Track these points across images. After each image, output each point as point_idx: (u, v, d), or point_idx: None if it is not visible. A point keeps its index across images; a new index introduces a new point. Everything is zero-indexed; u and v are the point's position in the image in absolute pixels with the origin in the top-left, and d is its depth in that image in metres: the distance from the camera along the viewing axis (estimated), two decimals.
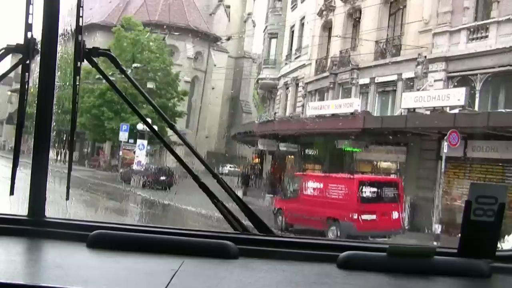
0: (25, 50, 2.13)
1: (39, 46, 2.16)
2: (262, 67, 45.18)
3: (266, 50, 45.41)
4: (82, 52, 2.22)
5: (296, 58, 39.03)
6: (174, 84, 46.58)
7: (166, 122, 2.79)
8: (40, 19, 2.13)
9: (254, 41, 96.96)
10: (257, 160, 55.39)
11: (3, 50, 2.17)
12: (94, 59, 2.28)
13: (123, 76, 2.71)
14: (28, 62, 2.16)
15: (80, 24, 2.19)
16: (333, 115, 26.48)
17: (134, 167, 36.58)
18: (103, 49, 2.29)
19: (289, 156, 35.79)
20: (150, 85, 42.35)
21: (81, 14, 2.18)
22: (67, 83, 2.29)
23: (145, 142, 37.47)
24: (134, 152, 37.23)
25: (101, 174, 43.70)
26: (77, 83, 2.28)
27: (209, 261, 1.98)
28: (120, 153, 40.72)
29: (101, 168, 47.20)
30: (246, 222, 2.32)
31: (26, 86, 2.17)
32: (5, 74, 2.26)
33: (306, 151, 32.01)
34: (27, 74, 2.16)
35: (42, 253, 2.12)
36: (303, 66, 37.05)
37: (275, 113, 33.03)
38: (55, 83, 2.23)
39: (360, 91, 28.93)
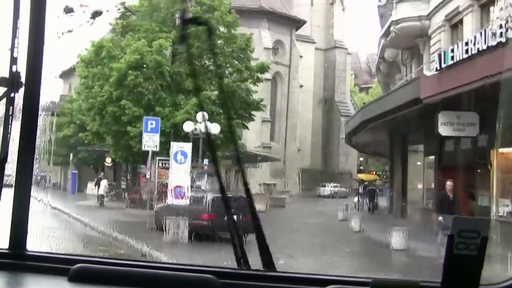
0: (10, 83, 2.08)
1: (23, 79, 2.10)
2: (395, 2, 24.63)
3: None
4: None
5: None
6: (244, 55, 27.13)
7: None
8: (25, 52, 2.11)
9: (346, 27, 76.91)
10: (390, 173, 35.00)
11: None
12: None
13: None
14: (12, 95, 2.10)
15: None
16: None
17: (169, 200, 17.12)
18: None
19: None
20: None
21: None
22: None
23: (187, 147, 17.78)
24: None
25: (133, 215, 24.58)
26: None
27: None
28: (147, 174, 21.59)
29: (141, 203, 28.04)
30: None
31: (10, 120, 2.09)
32: None
33: None
34: (11, 107, 2.10)
35: (22, 287, 2.07)
36: None
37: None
38: (39, 116, 2.16)
39: None
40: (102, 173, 35.01)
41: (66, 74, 57.98)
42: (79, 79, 29.02)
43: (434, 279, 1.87)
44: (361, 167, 70.84)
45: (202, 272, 2.02)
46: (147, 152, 21.77)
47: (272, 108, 52.70)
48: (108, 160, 36.85)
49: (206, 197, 17.62)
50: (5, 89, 2.09)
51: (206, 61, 26.95)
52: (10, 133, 2.10)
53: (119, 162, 31.14)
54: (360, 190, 39.60)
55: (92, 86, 25.21)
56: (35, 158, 2.14)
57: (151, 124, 19.67)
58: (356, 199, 38.61)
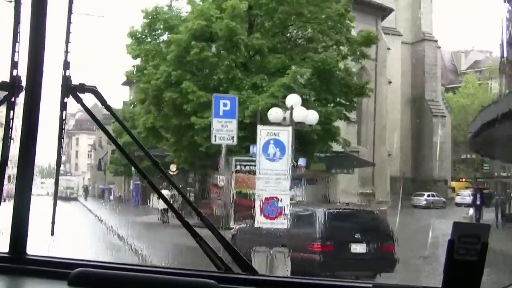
0: (11, 87, 2.04)
1: (24, 83, 2.06)
2: None
3: None
4: (68, 88, 2.09)
5: None
6: (343, 23, 20.18)
7: (150, 158, 2.33)
8: (25, 56, 2.07)
9: (435, 17, 69.09)
10: None
11: None
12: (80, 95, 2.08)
13: None
14: (13, 99, 2.06)
15: (67, 59, 2.09)
16: None
17: (257, 219, 10.37)
18: (89, 85, 2.10)
19: None
20: None
21: (68, 50, 2.09)
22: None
23: (285, 133, 10.93)
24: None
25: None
26: (64, 118, 2.14)
27: None
28: (220, 180, 14.93)
29: (214, 221, 21.65)
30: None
31: (11, 124, 2.07)
32: None
33: None
34: (11, 111, 2.07)
35: None
36: None
37: None
38: (39, 120, 2.12)
39: None
40: (163, 183, 29.02)
41: (131, 81, 53.35)
42: None
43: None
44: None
45: (202, 276, 1.98)
46: (219, 150, 15.22)
47: (358, 107, 45.49)
48: (173, 167, 30.76)
49: (315, 215, 10.76)
50: (6, 93, 2.07)
51: (293, 32, 20.19)
52: (10, 137, 2.09)
53: (183, 169, 24.75)
54: (478, 201, 31.98)
55: (145, 67, 18.90)
56: (35, 163, 2.04)
57: (224, 105, 12.99)
58: (470, 210, 31.66)
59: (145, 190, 42.40)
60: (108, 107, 2.11)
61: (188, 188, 28.27)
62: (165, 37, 19.67)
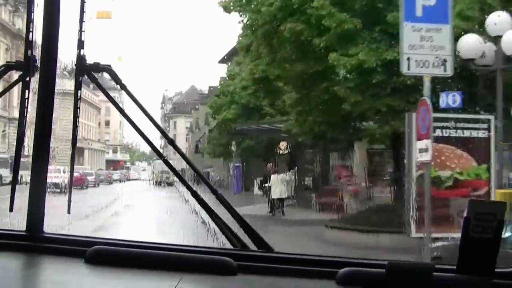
0: (26, 67, 2.02)
1: (39, 63, 2.03)
2: None
3: None
4: (83, 67, 2.08)
5: None
6: None
7: (165, 137, 2.32)
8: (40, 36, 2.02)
9: None
10: None
11: (3, 67, 2.08)
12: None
13: None
14: (28, 79, 2.05)
15: (82, 38, 2.07)
16: None
17: None
18: (104, 64, 2.09)
19: None
20: None
21: (83, 29, 2.07)
22: None
23: None
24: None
25: (349, 245, 11.55)
26: (79, 98, 2.13)
27: (208, 278, 1.84)
28: (423, 151, 8.27)
29: (351, 217, 15.18)
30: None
31: (26, 103, 2.08)
32: (4, 91, 2.23)
33: None
34: (27, 91, 2.06)
35: (39, 269, 2.00)
36: None
37: None
38: (54, 99, 2.08)
39: None
40: (269, 164, 22.90)
41: (229, 58, 48.32)
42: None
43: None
44: None
45: (218, 254, 1.96)
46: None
47: None
48: (283, 144, 24.49)
49: None
50: (21, 73, 2.05)
51: None
52: (26, 117, 2.10)
53: (301, 144, 18.32)
54: None
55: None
56: (51, 142, 2.02)
57: None
58: None
59: (247, 174, 36.64)
60: (122, 86, 2.03)
61: (307, 170, 21.85)
62: None
